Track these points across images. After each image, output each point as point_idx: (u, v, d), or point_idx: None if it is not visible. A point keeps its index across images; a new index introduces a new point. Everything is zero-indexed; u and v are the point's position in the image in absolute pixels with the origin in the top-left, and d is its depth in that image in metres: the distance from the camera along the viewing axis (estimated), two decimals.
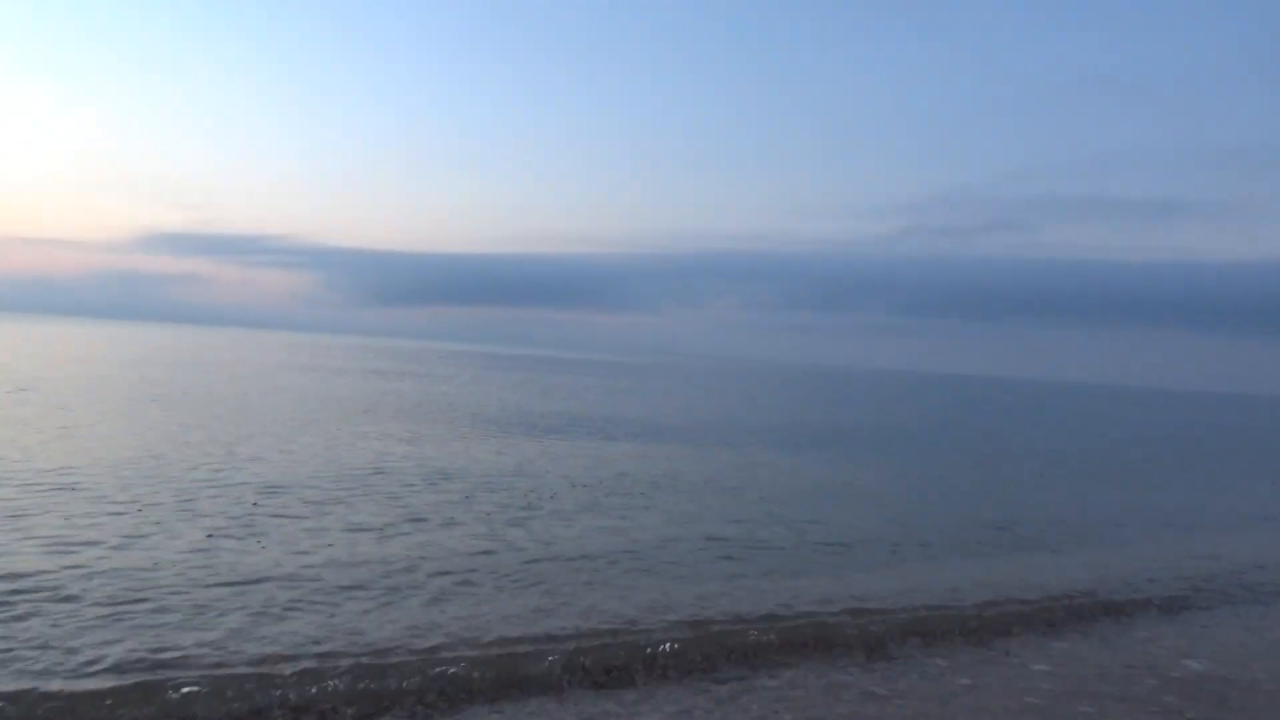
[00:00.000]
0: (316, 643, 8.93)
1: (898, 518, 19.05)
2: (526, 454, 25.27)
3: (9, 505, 14.01)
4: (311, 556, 12.31)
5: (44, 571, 10.60)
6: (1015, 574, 14.61)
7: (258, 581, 10.91)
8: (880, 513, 19.56)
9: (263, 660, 8.39)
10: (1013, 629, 11.78)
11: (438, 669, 8.55)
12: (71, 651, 8.25)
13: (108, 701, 7.41)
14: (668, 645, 9.71)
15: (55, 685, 7.52)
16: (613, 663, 9.24)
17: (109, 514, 13.88)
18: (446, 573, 12.06)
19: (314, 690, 7.98)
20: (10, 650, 8.18)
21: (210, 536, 12.97)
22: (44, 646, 8.32)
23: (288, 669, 8.19)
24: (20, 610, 9.24)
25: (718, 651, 9.83)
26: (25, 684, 7.49)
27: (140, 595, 10.01)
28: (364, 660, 8.55)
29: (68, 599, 9.71)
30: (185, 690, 7.67)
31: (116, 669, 7.95)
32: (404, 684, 8.28)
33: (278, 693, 7.87)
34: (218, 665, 8.22)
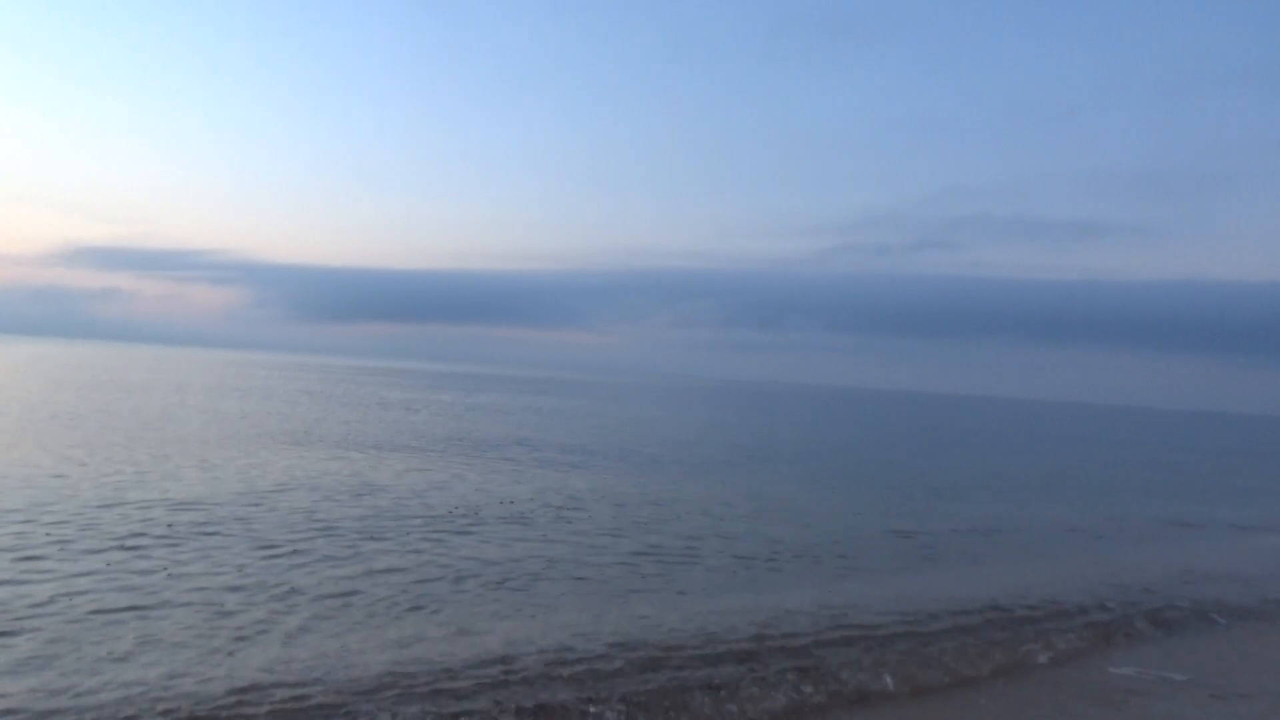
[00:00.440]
0: (148, 688, 8.65)
1: (813, 533, 19.25)
2: (447, 473, 24.99)
3: None
4: (196, 581, 11.97)
5: None
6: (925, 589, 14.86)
7: (130, 610, 10.59)
8: (795, 528, 19.71)
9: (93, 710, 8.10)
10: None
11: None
12: None
13: None
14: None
15: None
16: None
17: None
18: (329, 596, 11.85)
19: None
20: None
21: (105, 561, 12.55)
22: None
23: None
24: None
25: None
26: None
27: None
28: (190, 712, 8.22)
29: None
30: None
31: None
32: None
33: None
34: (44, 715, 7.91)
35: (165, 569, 12.87)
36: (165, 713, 8.10)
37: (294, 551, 14.54)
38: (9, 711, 7.93)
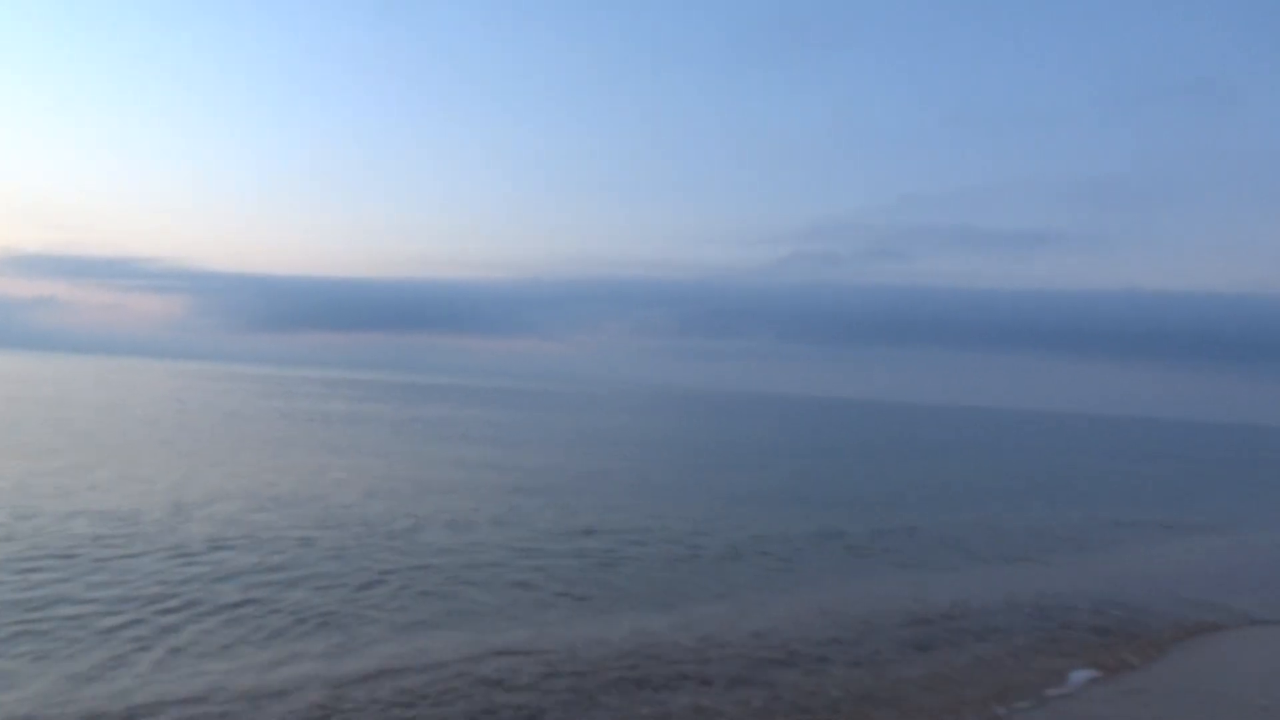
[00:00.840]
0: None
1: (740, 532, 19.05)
2: (385, 480, 24.38)
3: None
4: (101, 592, 11.34)
5: None
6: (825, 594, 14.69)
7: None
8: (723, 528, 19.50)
9: None
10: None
11: None
12: None
13: None
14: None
15: None
16: None
17: None
18: (218, 610, 11.31)
19: None
20: None
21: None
22: None
23: None
24: None
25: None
26: None
27: None
28: None
29: None
30: None
31: None
32: None
33: None
34: None
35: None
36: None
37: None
38: None
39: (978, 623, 14.05)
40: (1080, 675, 11.71)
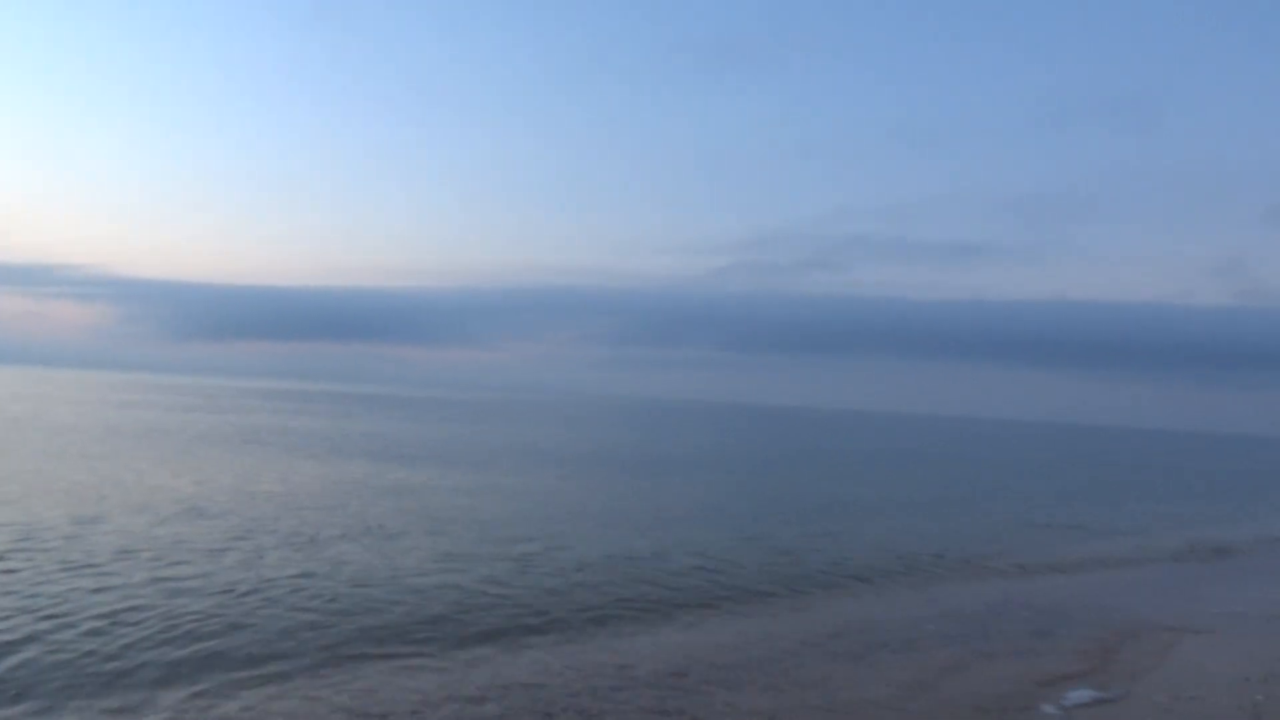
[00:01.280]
0: None
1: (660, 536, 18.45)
2: (306, 491, 23.15)
3: None
4: None
5: None
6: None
7: None
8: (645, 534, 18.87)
9: None
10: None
11: None
12: None
13: None
14: None
15: None
16: None
17: None
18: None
19: None
20: None
21: None
22: None
23: None
24: None
25: None
26: None
27: None
28: None
29: None
30: None
31: None
32: None
33: None
34: None
35: None
36: None
37: None
38: None
39: (912, 632, 13.55)
40: (1069, 692, 11.20)
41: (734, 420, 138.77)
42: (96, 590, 12.28)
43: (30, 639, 10.06)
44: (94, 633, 10.44)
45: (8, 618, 10.82)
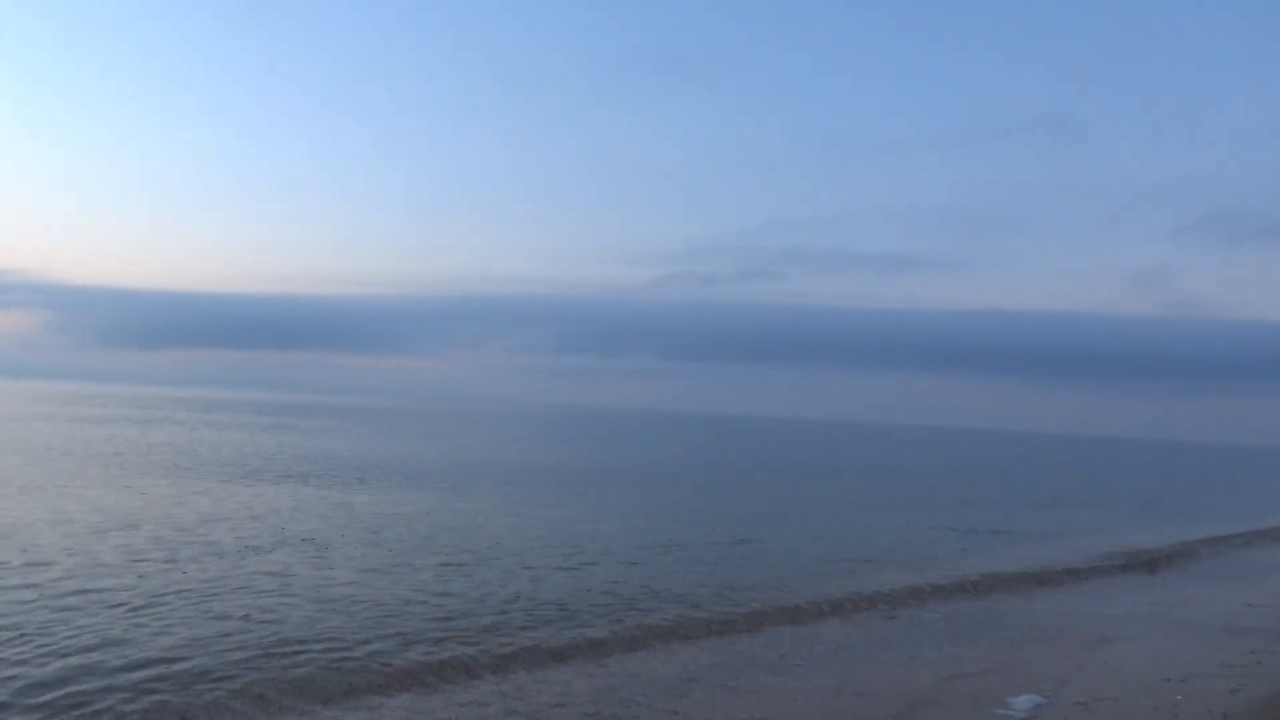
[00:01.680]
0: None
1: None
2: (229, 504, 22.75)
3: None
4: None
5: None
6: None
7: None
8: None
9: None
10: None
11: None
12: None
13: None
14: None
15: None
16: None
17: None
18: None
19: None
20: None
21: None
22: None
23: None
24: None
25: None
26: None
27: None
28: None
29: None
30: None
31: None
32: None
33: None
34: None
35: None
36: None
37: None
38: None
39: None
40: (1021, 699, 11.65)
41: (674, 429, 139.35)
42: None
43: None
44: None
45: None
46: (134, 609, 12.84)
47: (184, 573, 15.34)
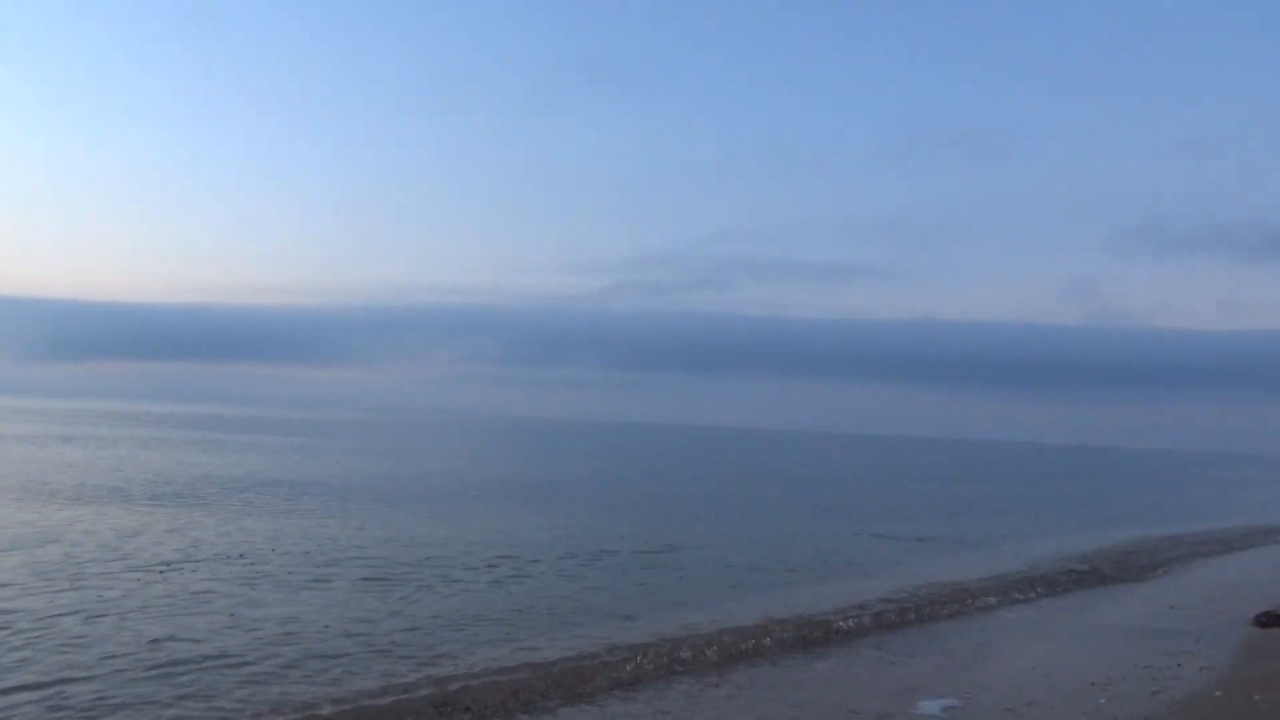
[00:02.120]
0: None
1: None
2: (139, 525, 21.69)
3: None
4: None
5: None
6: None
7: None
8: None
9: None
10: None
11: None
12: None
13: None
14: None
15: None
16: None
17: None
18: None
19: None
20: None
21: None
22: None
23: None
24: None
25: None
26: None
27: None
28: None
29: None
30: None
31: None
32: None
33: None
34: None
35: None
36: None
37: None
38: None
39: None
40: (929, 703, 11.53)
41: (619, 440, 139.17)
42: None
43: None
44: None
45: None
46: (19, 631, 12.04)
47: (76, 593, 14.47)
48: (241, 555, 18.77)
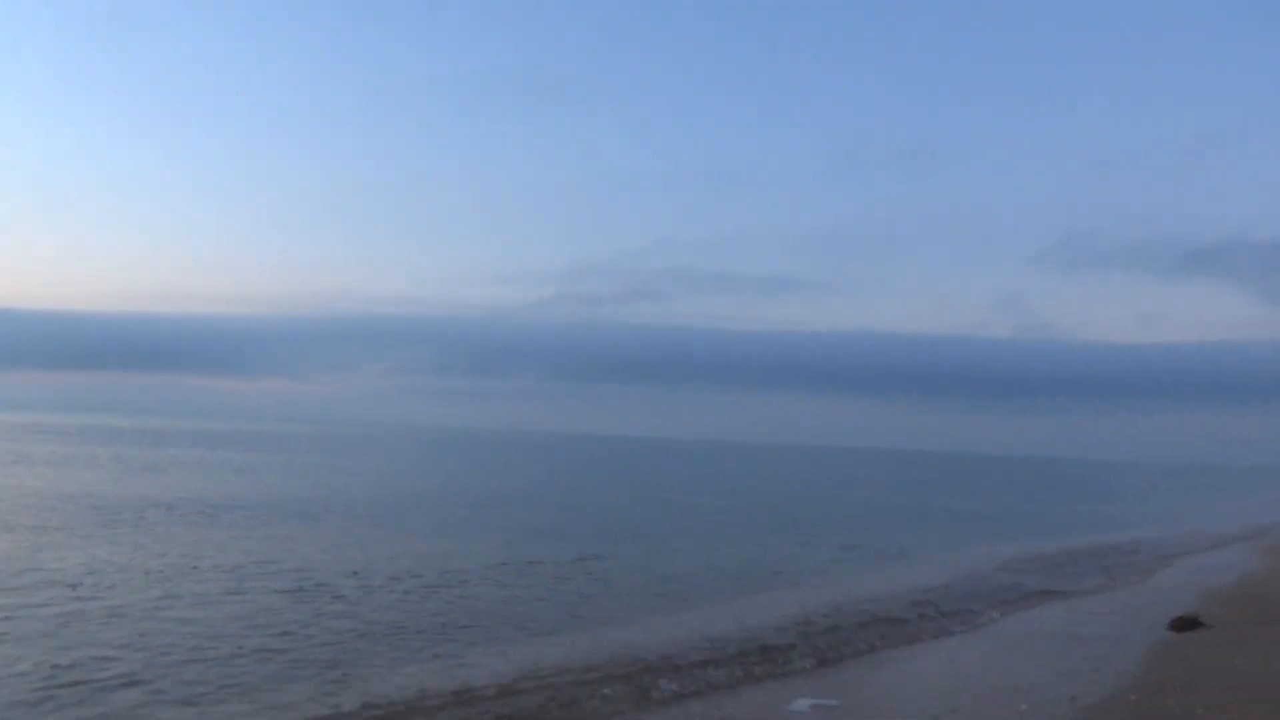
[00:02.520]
0: None
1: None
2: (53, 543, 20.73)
3: None
4: None
5: None
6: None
7: None
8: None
9: None
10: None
11: None
12: None
13: None
14: None
15: None
16: None
17: None
18: None
19: None
20: None
21: None
22: None
23: None
24: None
25: None
26: None
27: None
28: None
29: None
30: None
31: None
32: None
33: None
34: None
35: None
36: None
37: None
38: None
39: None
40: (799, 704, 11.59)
41: (556, 451, 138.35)
42: None
43: None
44: None
45: None
46: None
47: None
48: (157, 571, 18.08)
